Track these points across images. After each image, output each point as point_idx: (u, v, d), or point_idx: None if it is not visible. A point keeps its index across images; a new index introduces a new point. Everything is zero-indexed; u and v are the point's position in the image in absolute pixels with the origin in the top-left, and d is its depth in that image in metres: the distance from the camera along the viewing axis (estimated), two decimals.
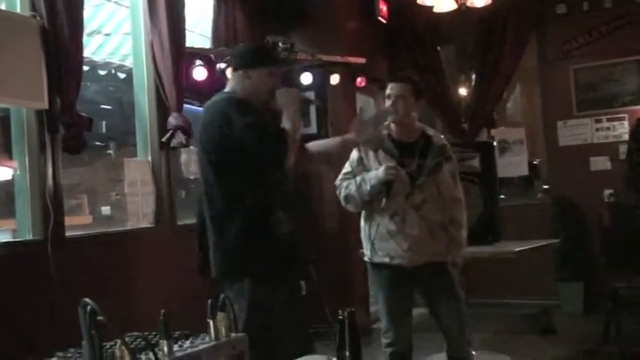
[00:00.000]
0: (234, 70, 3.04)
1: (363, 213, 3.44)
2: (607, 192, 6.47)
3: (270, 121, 2.94)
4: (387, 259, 3.30)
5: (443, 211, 3.33)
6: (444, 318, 3.33)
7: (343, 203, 3.42)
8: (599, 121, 6.57)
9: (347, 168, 3.42)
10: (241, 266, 2.85)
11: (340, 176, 3.44)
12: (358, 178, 3.29)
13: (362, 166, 3.35)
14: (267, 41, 5.33)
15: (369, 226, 3.37)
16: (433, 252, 3.29)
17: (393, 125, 3.37)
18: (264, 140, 2.78)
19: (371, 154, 3.32)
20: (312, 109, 5.88)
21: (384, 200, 3.23)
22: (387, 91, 3.38)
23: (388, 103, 3.35)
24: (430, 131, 3.45)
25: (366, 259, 3.44)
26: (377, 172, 3.23)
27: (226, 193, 2.86)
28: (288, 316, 2.93)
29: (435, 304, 3.37)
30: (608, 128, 6.54)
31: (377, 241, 3.32)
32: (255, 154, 2.79)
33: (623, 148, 6.44)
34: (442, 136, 3.51)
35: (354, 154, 3.41)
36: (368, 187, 3.24)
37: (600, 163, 6.54)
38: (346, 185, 3.36)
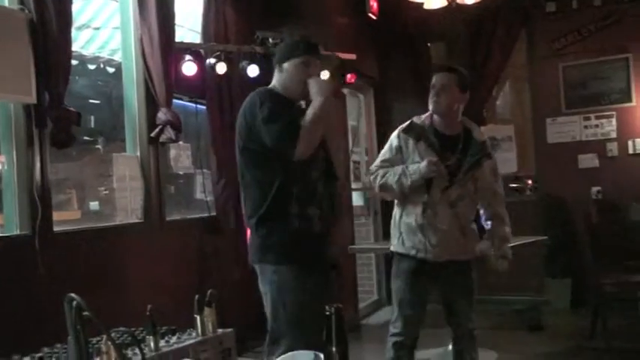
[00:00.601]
0: (275, 66, 3.04)
1: (396, 202, 3.43)
2: (595, 189, 6.51)
3: (298, 113, 2.89)
4: (412, 252, 3.30)
5: (475, 209, 3.39)
6: (458, 315, 3.40)
7: (377, 190, 3.41)
8: (587, 118, 6.61)
9: (385, 155, 3.38)
10: (268, 255, 2.84)
11: (377, 162, 3.40)
12: (398, 169, 3.25)
13: (400, 155, 3.31)
14: (257, 37, 5.32)
15: (399, 216, 3.37)
16: (460, 250, 3.31)
17: (435, 116, 3.32)
18: (269, 130, 2.77)
19: (411, 143, 3.27)
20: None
21: (425, 196, 3.23)
22: (432, 81, 3.32)
23: (431, 92, 3.29)
24: (471, 125, 3.40)
25: (392, 248, 3.42)
26: (419, 167, 3.19)
27: (255, 182, 2.88)
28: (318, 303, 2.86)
29: (450, 301, 3.41)
30: (596, 126, 6.58)
31: (405, 233, 3.32)
32: (267, 144, 2.79)
33: (610, 146, 6.49)
34: (482, 132, 3.48)
35: (394, 142, 3.35)
36: (409, 182, 3.21)
37: (588, 160, 6.57)
38: (383, 174, 3.32)
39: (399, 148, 3.32)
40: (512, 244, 4.20)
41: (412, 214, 3.28)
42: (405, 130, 3.34)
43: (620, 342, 4.78)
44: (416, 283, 3.34)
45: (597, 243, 5.51)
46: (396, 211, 3.41)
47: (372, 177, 3.40)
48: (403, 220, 3.34)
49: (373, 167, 3.42)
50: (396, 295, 3.40)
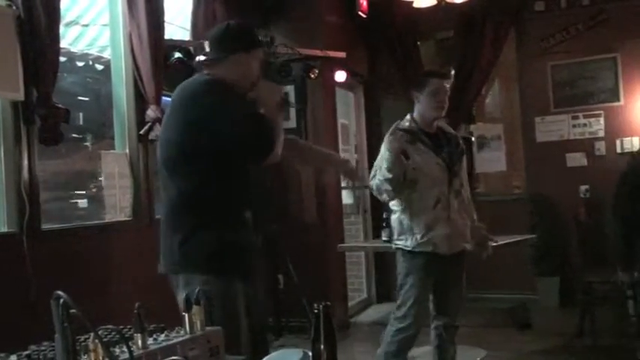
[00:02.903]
0: (216, 53, 2.77)
1: (397, 205, 3.53)
2: (583, 188, 6.55)
3: (253, 109, 2.69)
4: (429, 248, 3.42)
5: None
6: (447, 306, 3.57)
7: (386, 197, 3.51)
8: (575, 117, 6.64)
9: (389, 160, 3.38)
10: (197, 264, 2.60)
11: (385, 173, 3.43)
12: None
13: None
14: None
15: (409, 217, 3.47)
16: (467, 239, 3.52)
17: (419, 118, 3.52)
18: (248, 129, 2.53)
19: (409, 145, 3.42)
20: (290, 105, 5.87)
21: (436, 189, 3.40)
22: (434, 85, 3.47)
23: (434, 98, 3.45)
24: (440, 122, 3.62)
25: (403, 246, 3.51)
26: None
27: (184, 184, 2.62)
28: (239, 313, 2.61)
29: (443, 291, 3.55)
30: (584, 125, 6.61)
31: (422, 230, 3.42)
32: (238, 143, 2.54)
33: (598, 145, 6.53)
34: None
35: (395, 144, 3.39)
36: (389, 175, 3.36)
37: (576, 159, 6.61)
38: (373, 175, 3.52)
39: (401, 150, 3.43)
40: (500, 243, 4.24)
41: (425, 209, 3.42)
42: (401, 138, 3.41)
43: (607, 340, 4.81)
44: (427, 279, 3.49)
45: (585, 241, 5.54)
46: (401, 210, 3.51)
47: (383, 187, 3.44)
48: (415, 217, 3.45)
49: (379, 180, 3.44)
50: (408, 292, 3.48)
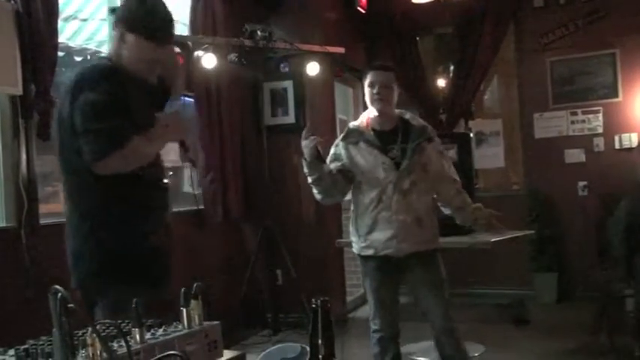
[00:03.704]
0: (114, 27, 2.47)
1: (351, 205, 3.42)
2: (581, 184, 6.55)
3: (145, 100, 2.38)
4: (371, 252, 3.29)
5: (431, 194, 3.36)
6: (429, 308, 3.32)
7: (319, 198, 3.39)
8: (574, 113, 6.64)
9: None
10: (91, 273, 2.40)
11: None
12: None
13: (337, 162, 3.33)
14: (246, 29, 5.30)
15: (355, 217, 3.36)
16: (420, 240, 3.27)
17: (372, 115, 3.35)
18: (89, 125, 2.23)
19: (351, 148, 3.30)
20: (290, 98, 5.87)
21: (377, 189, 3.21)
22: (370, 79, 3.31)
23: (371, 91, 3.29)
24: (407, 115, 3.42)
25: (354, 250, 3.43)
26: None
27: (81, 188, 2.40)
28: None
29: (419, 294, 3.36)
30: (583, 121, 6.61)
31: (364, 233, 3.30)
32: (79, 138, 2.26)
33: (597, 141, 6.52)
34: (420, 119, 3.48)
35: (332, 150, 3.39)
36: (305, 171, 3.21)
37: (575, 155, 6.61)
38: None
39: (336, 156, 3.36)
40: (498, 239, 4.22)
41: (366, 210, 3.28)
42: (343, 138, 3.36)
43: (623, 338, 4.71)
44: (386, 280, 3.33)
45: (583, 237, 5.52)
46: (352, 211, 3.41)
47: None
48: (359, 219, 3.33)
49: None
50: (369, 295, 3.40)
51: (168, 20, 2.47)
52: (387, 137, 3.29)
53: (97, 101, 2.25)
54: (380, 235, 3.24)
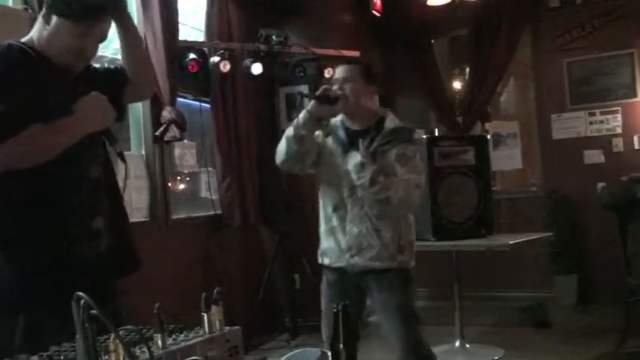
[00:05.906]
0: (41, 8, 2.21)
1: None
2: (600, 185, 6.49)
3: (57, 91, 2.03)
4: (327, 260, 3.01)
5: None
6: (390, 339, 2.99)
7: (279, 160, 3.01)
8: (592, 114, 6.58)
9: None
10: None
11: None
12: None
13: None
14: (261, 34, 5.32)
15: (320, 222, 3.08)
16: (375, 256, 2.87)
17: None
18: None
19: (327, 139, 3.01)
20: (306, 103, 5.86)
21: (335, 193, 2.92)
22: (335, 75, 3.02)
23: (336, 86, 2.95)
24: (387, 114, 3.05)
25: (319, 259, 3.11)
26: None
27: None
28: None
29: (380, 318, 3.04)
30: (601, 121, 6.56)
31: (322, 239, 3.03)
32: None
33: (616, 141, 6.47)
34: (399, 121, 3.05)
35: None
36: (296, 122, 2.88)
37: (594, 156, 6.55)
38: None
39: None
40: (517, 241, 4.17)
41: (325, 215, 3.01)
42: (324, 127, 3.05)
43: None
44: (336, 297, 2.85)
45: (603, 239, 5.45)
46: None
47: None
48: (322, 223, 3.04)
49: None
50: (322, 315, 3.03)
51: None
52: (355, 138, 2.92)
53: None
54: (333, 245, 2.95)
